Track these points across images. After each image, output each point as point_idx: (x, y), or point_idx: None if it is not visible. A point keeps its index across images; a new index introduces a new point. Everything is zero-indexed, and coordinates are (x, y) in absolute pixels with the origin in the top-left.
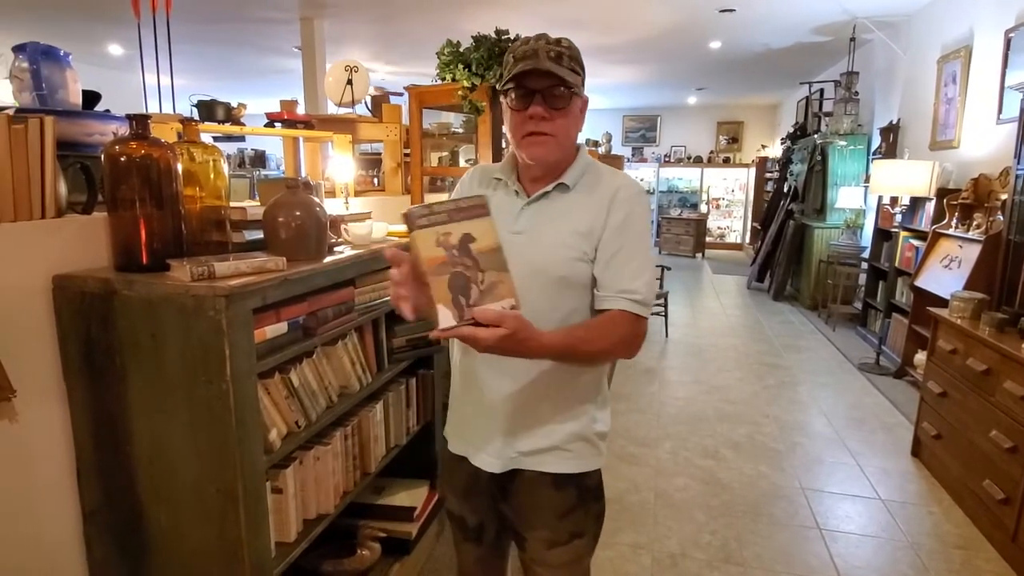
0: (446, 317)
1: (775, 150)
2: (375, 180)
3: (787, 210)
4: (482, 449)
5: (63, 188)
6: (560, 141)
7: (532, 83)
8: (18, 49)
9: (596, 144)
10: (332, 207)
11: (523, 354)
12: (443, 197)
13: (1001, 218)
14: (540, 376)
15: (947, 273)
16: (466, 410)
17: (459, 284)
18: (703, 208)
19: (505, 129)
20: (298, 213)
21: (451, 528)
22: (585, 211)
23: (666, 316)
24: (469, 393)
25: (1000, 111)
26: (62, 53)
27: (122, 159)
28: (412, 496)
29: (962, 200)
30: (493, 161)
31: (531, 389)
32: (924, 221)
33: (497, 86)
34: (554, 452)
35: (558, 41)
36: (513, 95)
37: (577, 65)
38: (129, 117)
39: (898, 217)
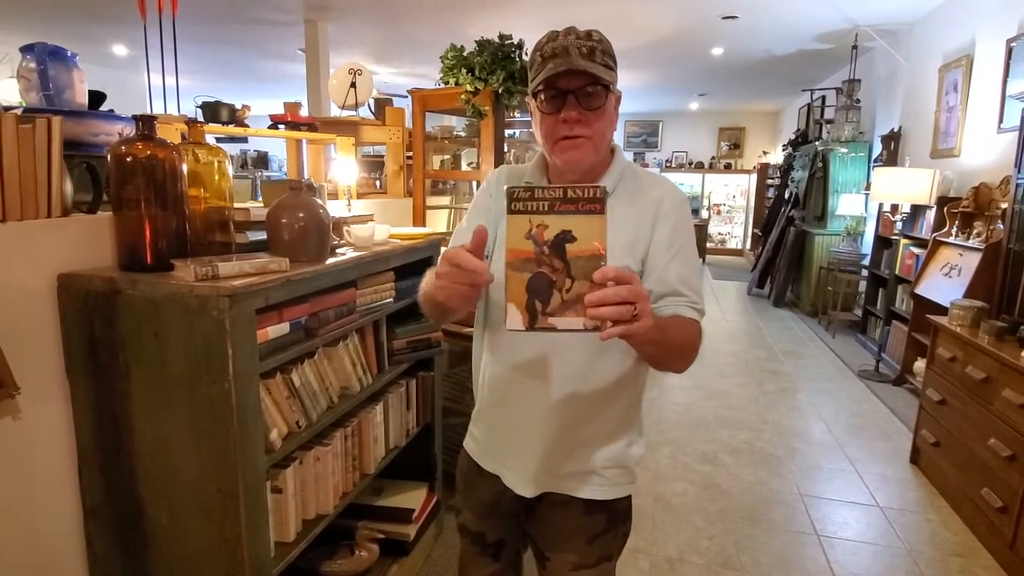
0: (515, 320)
1: (776, 156)
2: (377, 183)
3: (788, 216)
4: (515, 471)
5: (69, 187)
6: (596, 144)
7: (564, 83)
8: (26, 49)
9: None
10: (334, 209)
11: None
12: (445, 200)
13: (1001, 227)
14: (583, 396)
15: (947, 281)
16: (499, 429)
17: (539, 287)
18: (704, 214)
19: (536, 133)
20: (301, 215)
21: (463, 543)
22: (627, 221)
23: None
24: (504, 411)
25: (1001, 120)
26: (69, 54)
27: (128, 159)
28: (411, 498)
29: (963, 208)
30: (495, 165)
31: (573, 410)
32: (924, 229)
33: (499, 89)
34: (589, 477)
35: (588, 34)
36: (543, 97)
37: (610, 59)
38: (135, 118)
39: (899, 225)
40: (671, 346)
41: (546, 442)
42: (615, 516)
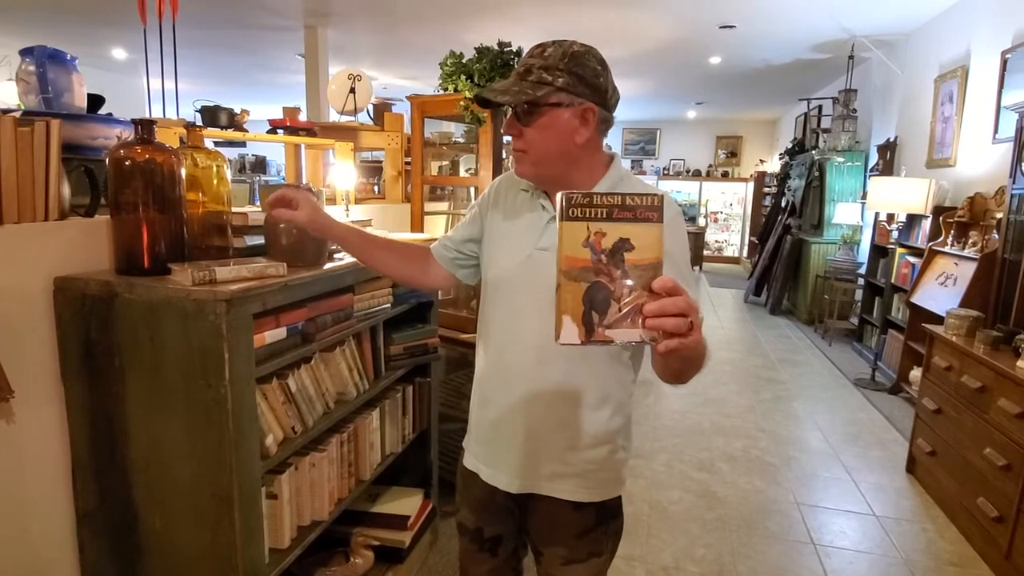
0: (570, 333)
1: (773, 165)
2: (376, 188)
3: (785, 225)
4: (499, 468)
5: (67, 191)
6: (534, 157)
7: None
8: (25, 52)
9: None
10: (333, 214)
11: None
12: (443, 206)
13: (996, 236)
14: (565, 401)
15: (943, 290)
16: (483, 428)
17: (598, 298)
18: (701, 221)
19: None
20: None
21: (462, 541)
22: None
23: None
24: (487, 410)
25: (996, 131)
26: (68, 57)
27: (127, 163)
28: (406, 504)
29: (958, 218)
30: (493, 171)
31: (555, 413)
32: (920, 238)
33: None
34: (573, 479)
35: (542, 51)
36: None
37: (552, 73)
38: (135, 122)
39: (895, 234)
40: (694, 358)
41: (527, 443)
42: (604, 512)
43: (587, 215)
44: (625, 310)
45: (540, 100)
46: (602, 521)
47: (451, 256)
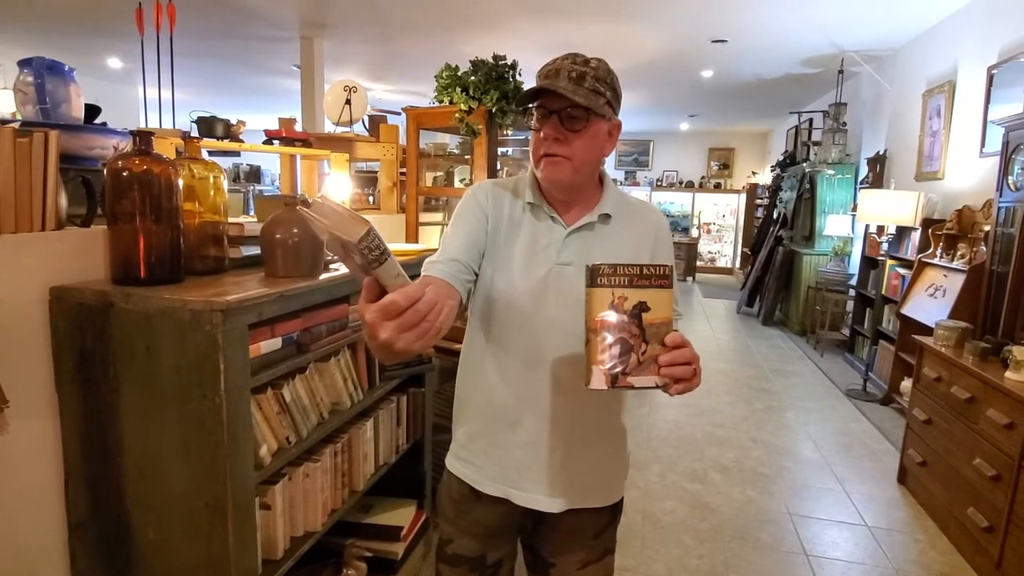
0: (598, 380)
1: (765, 177)
2: (371, 198)
3: (776, 236)
4: (538, 492)
5: (64, 201)
6: (576, 165)
7: (550, 103)
8: (24, 63)
9: None
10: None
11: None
12: (438, 216)
13: (984, 249)
14: (595, 412)
15: (932, 302)
16: (513, 452)
17: (620, 350)
18: (694, 232)
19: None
20: (295, 230)
21: (456, 572)
22: (628, 244)
23: None
24: (518, 434)
25: (983, 144)
26: (66, 68)
27: (124, 174)
28: (399, 515)
29: (947, 230)
30: None
31: (590, 426)
32: (910, 250)
33: (493, 108)
34: (605, 485)
35: (586, 61)
36: (535, 114)
37: (603, 86)
38: (133, 133)
39: (884, 246)
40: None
41: (567, 459)
42: (615, 509)
43: (611, 283)
44: (642, 360)
45: (599, 109)
46: (614, 517)
47: (470, 279)
